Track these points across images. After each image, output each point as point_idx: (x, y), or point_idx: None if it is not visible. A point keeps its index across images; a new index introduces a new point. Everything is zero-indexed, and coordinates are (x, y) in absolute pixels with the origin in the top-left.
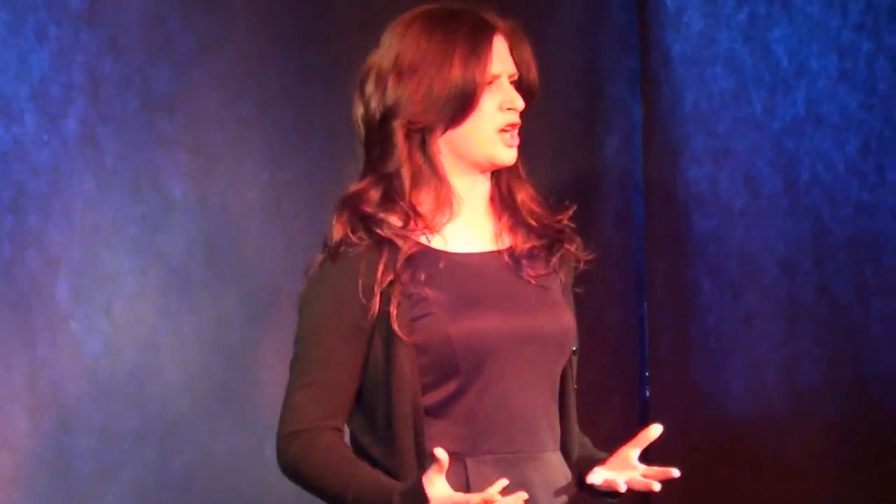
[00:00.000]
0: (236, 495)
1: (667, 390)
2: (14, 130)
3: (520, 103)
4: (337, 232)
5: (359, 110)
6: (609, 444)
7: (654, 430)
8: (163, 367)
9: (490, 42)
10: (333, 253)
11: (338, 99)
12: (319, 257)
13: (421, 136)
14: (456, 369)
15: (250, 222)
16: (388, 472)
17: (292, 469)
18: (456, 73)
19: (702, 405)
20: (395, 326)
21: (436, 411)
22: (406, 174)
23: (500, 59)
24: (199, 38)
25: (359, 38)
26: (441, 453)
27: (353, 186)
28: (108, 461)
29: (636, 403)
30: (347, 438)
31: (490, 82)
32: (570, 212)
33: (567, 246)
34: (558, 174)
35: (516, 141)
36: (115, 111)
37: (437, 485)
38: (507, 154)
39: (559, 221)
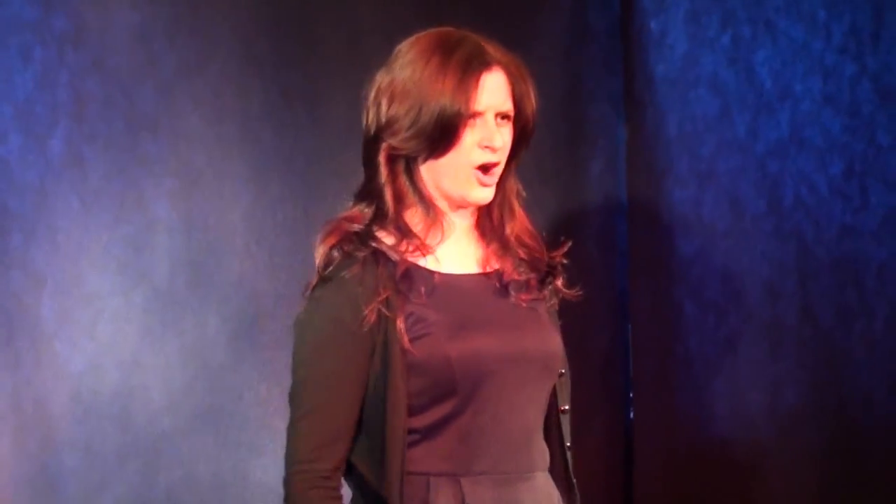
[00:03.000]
0: None
1: (651, 412)
2: None
3: (498, 142)
4: (325, 252)
5: (362, 126)
6: (593, 466)
7: None
8: (146, 387)
9: (478, 76)
10: (328, 275)
11: (319, 120)
12: (314, 281)
13: (405, 161)
14: (453, 390)
15: (234, 242)
16: (375, 493)
17: None
18: (442, 103)
19: (686, 427)
20: (403, 343)
21: (431, 431)
22: (388, 196)
23: (490, 94)
24: (182, 60)
25: (339, 60)
26: None
27: (345, 211)
28: (92, 480)
29: (621, 425)
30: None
31: (473, 116)
32: (565, 248)
33: (556, 281)
34: (542, 196)
35: (493, 180)
36: (99, 132)
37: None
38: (480, 194)
39: (553, 258)
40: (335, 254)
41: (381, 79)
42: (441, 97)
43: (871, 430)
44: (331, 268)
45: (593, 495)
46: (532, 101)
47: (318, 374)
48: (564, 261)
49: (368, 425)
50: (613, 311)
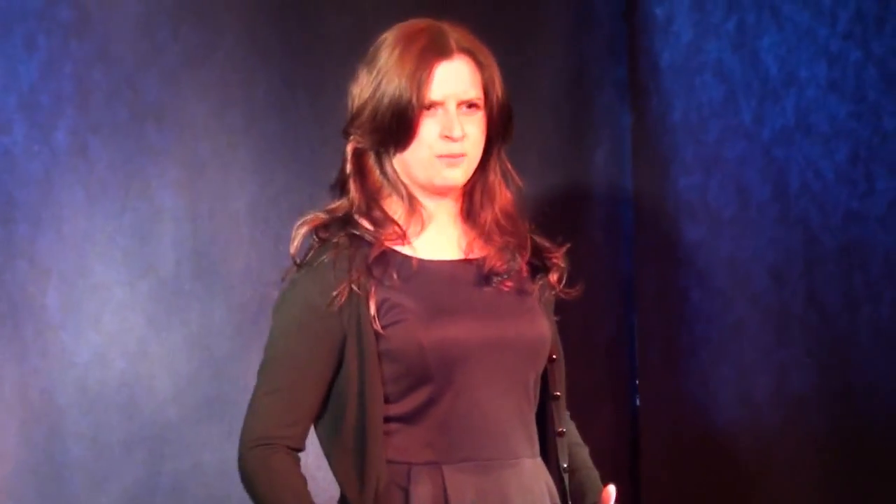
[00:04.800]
0: (226, 503)
1: (657, 399)
2: (3, 141)
3: (457, 132)
4: (301, 239)
5: None
6: (600, 452)
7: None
8: (152, 377)
9: (431, 66)
10: (306, 261)
11: (324, 109)
12: (292, 267)
13: (375, 154)
14: (428, 377)
15: (239, 232)
16: (355, 480)
17: (248, 481)
18: (396, 96)
19: (691, 413)
20: (376, 328)
21: (410, 419)
22: (355, 189)
23: (447, 83)
24: (187, 49)
25: (344, 49)
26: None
27: (332, 201)
28: (98, 470)
29: (627, 412)
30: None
31: (430, 107)
32: (563, 249)
33: (550, 276)
34: (547, 184)
35: (460, 162)
36: (104, 121)
37: None
38: (449, 174)
39: (550, 258)
40: (313, 240)
41: (358, 70)
42: (397, 89)
43: (876, 415)
44: (309, 254)
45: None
46: (497, 87)
47: (286, 355)
48: (562, 264)
49: (346, 414)
50: (619, 297)
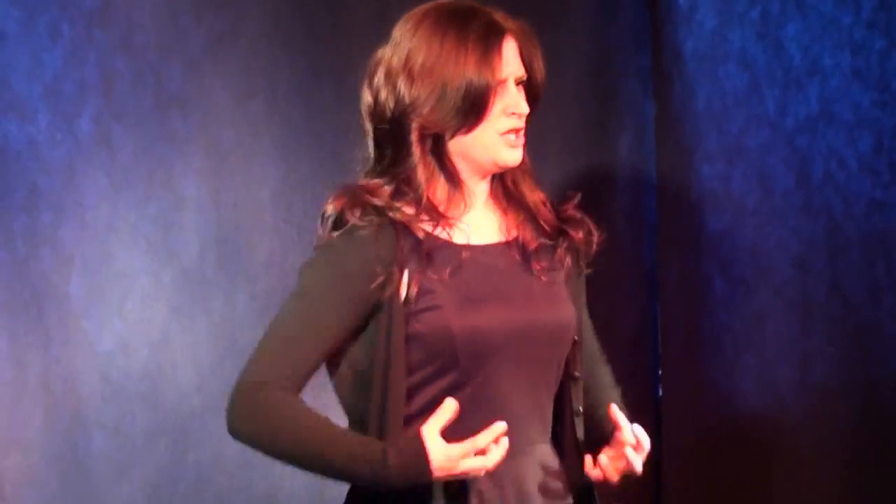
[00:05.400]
0: (248, 493)
1: (679, 388)
2: (27, 129)
3: (524, 108)
4: (337, 208)
5: (366, 105)
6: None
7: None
8: (175, 366)
9: (500, 45)
10: (345, 230)
11: (348, 96)
12: (325, 230)
13: (433, 139)
14: (455, 364)
15: (262, 220)
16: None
17: (254, 421)
18: (469, 78)
19: (714, 403)
20: (408, 310)
21: (432, 405)
22: (422, 176)
23: (509, 62)
24: (210, 36)
25: (368, 35)
26: (451, 402)
27: (363, 181)
28: (121, 459)
29: (649, 402)
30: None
31: (498, 85)
32: (574, 200)
33: (573, 234)
34: (570, 172)
35: (521, 141)
36: (128, 109)
37: (436, 439)
38: (511, 155)
39: (564, 212)
40: (348, 217)
41: (389, 57)
42: (466, 71)
43: None
44: (347, 225)
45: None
46: (541, 65)
47: (304, 309)
48: (576, 214)
49: (368, 394)
50: (642, 287)
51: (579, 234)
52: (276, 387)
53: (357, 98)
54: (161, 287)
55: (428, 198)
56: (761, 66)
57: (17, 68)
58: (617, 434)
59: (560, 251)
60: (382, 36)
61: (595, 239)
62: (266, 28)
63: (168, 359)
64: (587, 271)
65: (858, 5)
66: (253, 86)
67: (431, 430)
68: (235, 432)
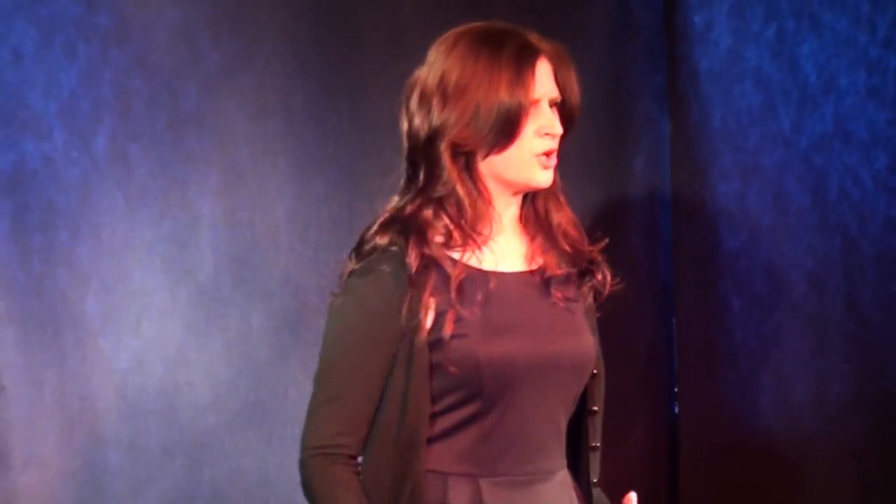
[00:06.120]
0: None
1: (696, 406)
2: (44, 148)
3: (558, 129)
4: (380, 240)
5: (403, 125)
6: (638, 460)
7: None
8: (191, 383)
9: (534, 66)
10: (367, 266)
11: (362, 116)
12: (352, 265)
13: (465, 159)
14: (479, 392)
15: (278, 239)
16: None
17: (307, 489)
18: (502, 98)
19: (730, 421)
20: (433, 338)
21: (452, 432)
22: (463, 196)
23: (542, 83)
24: (226, 56)
25: (382, 56)
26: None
27: (407, 205)
28: (137, 476)
29: (665, 419)
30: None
31: (531, 105)
32: (602, 244)
33: (597, 275)
34: (586, 191)
35: (553, 163)
36: (143, 128)
37: None
38: (543, 177)
39: (590, 252)
40: (380, 244)
41: (424, 77)
42: (499, 92)
43: None
44: (371, 258)
45: (638, 489)
46: (576, 87)
47: (344, 361)
48: (600, 256)
49: (385, 421)
50: (658, 304)
51: (598, 277)
52: (342, 454)
53: (370, 117)
54: (177, 305)
55: (457, 219)
56: (777, 84)
57: (34, 87)
58: None
59: (585, 287)
60: (396, 56)
61: (608, 286)
62: (281, 48)
63: (184, 376)
64: (597, 314)
65: (874, 24)
66: (268, 105)
67: None
68: (305, 491)
